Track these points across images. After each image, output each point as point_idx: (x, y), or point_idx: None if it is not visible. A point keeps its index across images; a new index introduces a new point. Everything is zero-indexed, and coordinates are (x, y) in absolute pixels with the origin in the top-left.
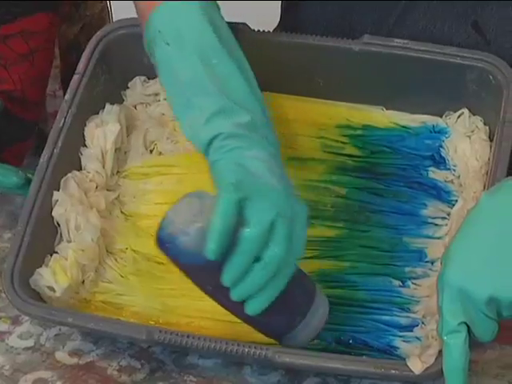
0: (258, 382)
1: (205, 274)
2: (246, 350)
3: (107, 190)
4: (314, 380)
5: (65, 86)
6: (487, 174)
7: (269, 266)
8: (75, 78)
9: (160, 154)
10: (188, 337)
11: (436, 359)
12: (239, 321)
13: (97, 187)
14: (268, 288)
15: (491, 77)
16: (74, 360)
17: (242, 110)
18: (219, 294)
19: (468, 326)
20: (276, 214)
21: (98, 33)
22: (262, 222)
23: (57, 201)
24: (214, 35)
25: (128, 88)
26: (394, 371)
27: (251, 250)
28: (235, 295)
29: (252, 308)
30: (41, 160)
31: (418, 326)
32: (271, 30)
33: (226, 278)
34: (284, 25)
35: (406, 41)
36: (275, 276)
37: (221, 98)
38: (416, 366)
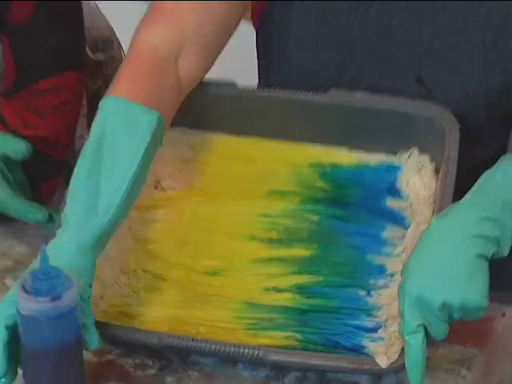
0: (250, 376)
1: None
2: (241, 350)
3: None
4: (296, 374)
5: None
6: (435, 202)
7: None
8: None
9: (163, 189)
10: (192, 340)
11: (399, 355)
12: (235, 327)
13: None
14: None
15: (436, 123)
16: (97, 358)
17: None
18: None
19: (425, 328)
20: None
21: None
22: None
23: None
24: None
25: None
26: (365, 366)
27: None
28: None
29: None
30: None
31: (381, 328)
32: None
33: None
34: (261, 83)
35: (365, 94)
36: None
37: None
38: (383, 361)
